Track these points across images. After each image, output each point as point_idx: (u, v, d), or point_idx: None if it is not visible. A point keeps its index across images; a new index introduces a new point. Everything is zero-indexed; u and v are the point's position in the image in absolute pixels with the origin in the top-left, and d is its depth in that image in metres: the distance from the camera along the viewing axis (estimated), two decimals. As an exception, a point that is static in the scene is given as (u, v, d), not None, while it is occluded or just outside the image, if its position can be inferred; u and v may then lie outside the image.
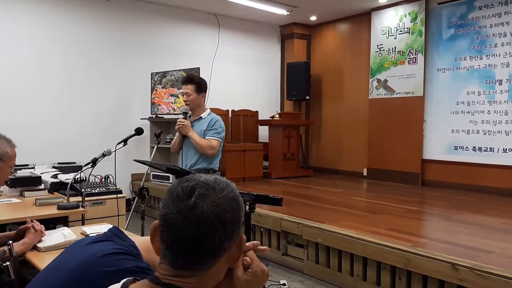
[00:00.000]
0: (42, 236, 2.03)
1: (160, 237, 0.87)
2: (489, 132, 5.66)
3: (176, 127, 3.37)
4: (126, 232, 1.27)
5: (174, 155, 3.59)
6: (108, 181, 4.06)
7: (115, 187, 3.78)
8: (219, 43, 7.18)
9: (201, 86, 3.37)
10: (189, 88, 3.34)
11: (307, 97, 7.65)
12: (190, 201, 0.84)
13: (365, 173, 7.11)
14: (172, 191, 0.87)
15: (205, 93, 3.42)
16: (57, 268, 1.10)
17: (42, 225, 2.06)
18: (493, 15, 5.63)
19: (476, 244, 3.23)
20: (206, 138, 3.32)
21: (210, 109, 3.53)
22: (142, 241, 1.21)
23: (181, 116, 3.44)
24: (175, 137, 3.52)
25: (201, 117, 3.41)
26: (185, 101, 3.38)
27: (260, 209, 4.16)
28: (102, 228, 2.16)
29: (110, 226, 1.39)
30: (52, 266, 1.14)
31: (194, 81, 3.37)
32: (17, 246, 1.85)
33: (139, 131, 3.21)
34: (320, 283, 3.60)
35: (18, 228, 2.04)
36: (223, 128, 3.39)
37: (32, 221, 2.05)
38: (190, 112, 3.42)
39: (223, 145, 3.50)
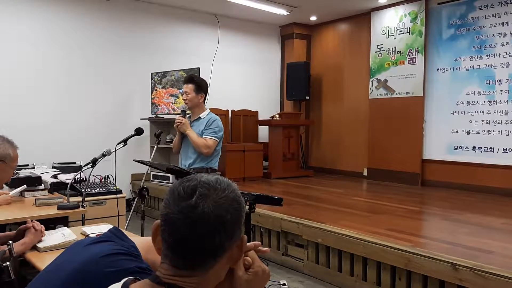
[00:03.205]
0: (42, 236, 2.03)
1: (162, 237, 0.87)
2: (489, 132, 5.66)
3: (174, 125, 3.41)
4: (126, 233, 1.27)
5: (174, 155, 3.63)
6: (108, 181, 4.06)
7: (115, 187, 3.78)
8: (219, 43, 7.18)
9: (200, 87, 3.42)
10: (189, 87, 3.40)
11: (307, 97, 7.65)
12: (191, 201, 0.84)
13: (365, 173, 7.11)
14: (173, 191, 0.87)
15: (205, 94, 3.48)
16: (57, 269, 1.10)
17: (42, 225, 2.06)
18: (493, 15, 5.63)
19: (476, 244, 3.23)
20: (203, 137, 3.35)
21: (210, 109, 3.56)
22: (142, 242, 1.21)
23: (180, 114, 3.47)
24: (175, 137, 3.55)
25: (200, 117, 3.45)
26: (184, 99, 3.44)
27: (260, 209, 4.16)
28: (102, 228, 2.16)
29: (110, 226, 1.39)
30: (53, 266, 1.14)
31: (194, 81, 3.42)
32: (17, 246, 1.85)
33: (139, 131, 3.22)
34: (320, 283, 3.60)
35: (18, 228, 2.04)
36: (220, 127, 3.42)
37: (32, 221, 2.05)
38: (189, 111, 3.47)
39: (222, 145, 3.52)
